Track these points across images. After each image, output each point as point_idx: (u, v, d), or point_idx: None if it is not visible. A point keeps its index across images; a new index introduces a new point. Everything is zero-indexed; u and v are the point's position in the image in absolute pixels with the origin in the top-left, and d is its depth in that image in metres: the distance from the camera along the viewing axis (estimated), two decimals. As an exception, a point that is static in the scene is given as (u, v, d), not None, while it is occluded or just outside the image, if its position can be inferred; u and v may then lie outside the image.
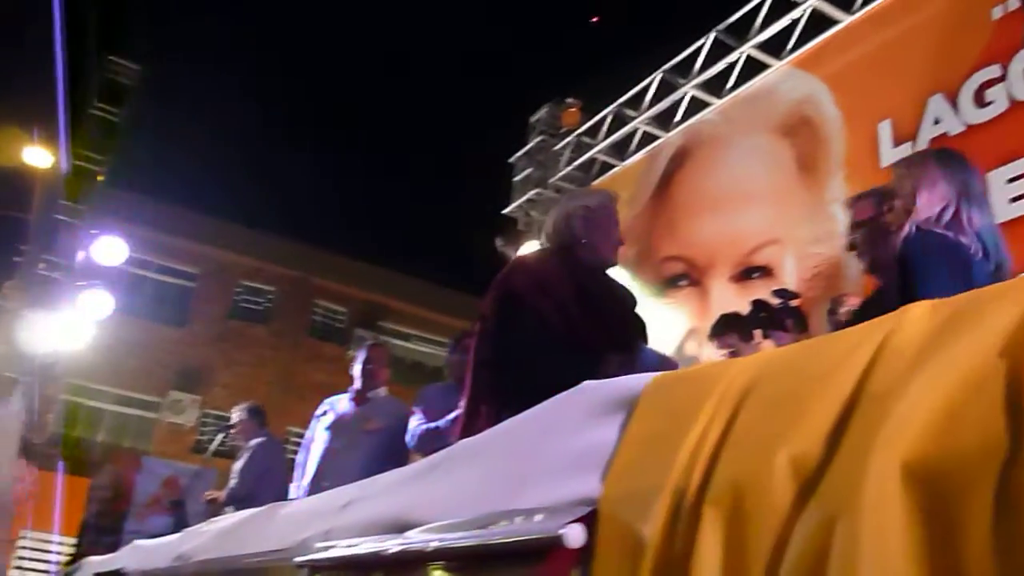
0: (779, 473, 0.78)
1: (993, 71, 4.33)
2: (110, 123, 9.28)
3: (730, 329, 3.79)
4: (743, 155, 6.32)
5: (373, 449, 4.20)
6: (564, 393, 1.30)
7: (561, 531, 0.98)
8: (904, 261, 2.32)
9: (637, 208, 7.32)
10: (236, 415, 5.88)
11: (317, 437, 4.59)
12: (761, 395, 0.90)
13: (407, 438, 3.94)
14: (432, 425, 3.81)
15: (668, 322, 6.28)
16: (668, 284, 6.60)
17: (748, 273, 5.84)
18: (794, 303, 3.68)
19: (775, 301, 3.68)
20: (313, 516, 1.98)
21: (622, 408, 1.12)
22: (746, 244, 5.95)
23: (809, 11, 6.21)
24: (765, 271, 5.75)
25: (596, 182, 8.41)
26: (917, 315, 0.82)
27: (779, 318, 3.65)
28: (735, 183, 6.24)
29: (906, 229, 2.42)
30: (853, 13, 5.89)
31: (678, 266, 6.54)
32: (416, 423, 3.93)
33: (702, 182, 6.73)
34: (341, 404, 4.61)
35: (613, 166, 8.34)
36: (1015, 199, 3.90)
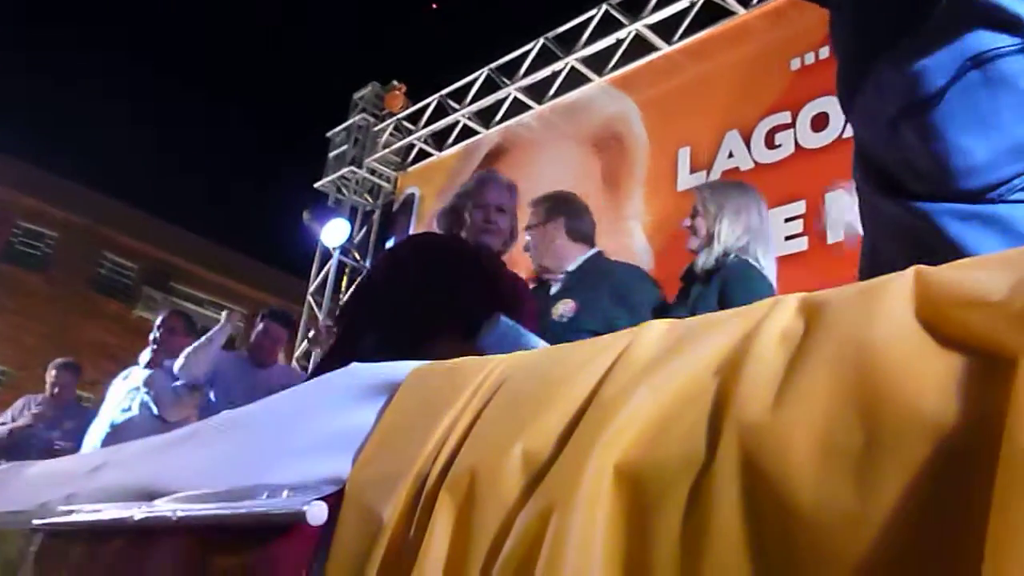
0: (511, 465, 0.83)
1: (784, 117, 4.71)
2: None
3: None
4: (554, 161, 6.51)
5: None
6: (332, 372, 1.30)
7: (304, 508, 0.99)
8: (724, 284, 2.49)
9: (446, 198, 7.39)
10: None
11: (112, 402, 4.41)
12: (508, 392, 0.95)
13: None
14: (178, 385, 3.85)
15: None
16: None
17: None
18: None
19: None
20: (60, 478, 1.87)
21: (384, 392, 1.15)
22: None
23: (633, 34, 6.49)
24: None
25: (411, 169, 8.42)
26: (655, 330, 0.89)
27: None
28: (543, 188, 6.39)
29: (716, 251, 2.60)
30: (672, 44, 6.22)
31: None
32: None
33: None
34: (136, 372, 4.45)
35: (431, 154, 8.37)
36: (789, 237, 4.26)
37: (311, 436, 1.21)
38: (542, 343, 2.21)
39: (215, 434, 1.48)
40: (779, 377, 0.72)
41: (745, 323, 0.80)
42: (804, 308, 0.79)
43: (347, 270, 8.53)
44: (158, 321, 4.71)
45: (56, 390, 5.44)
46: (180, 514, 1.24)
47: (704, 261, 2.60)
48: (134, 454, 1.69)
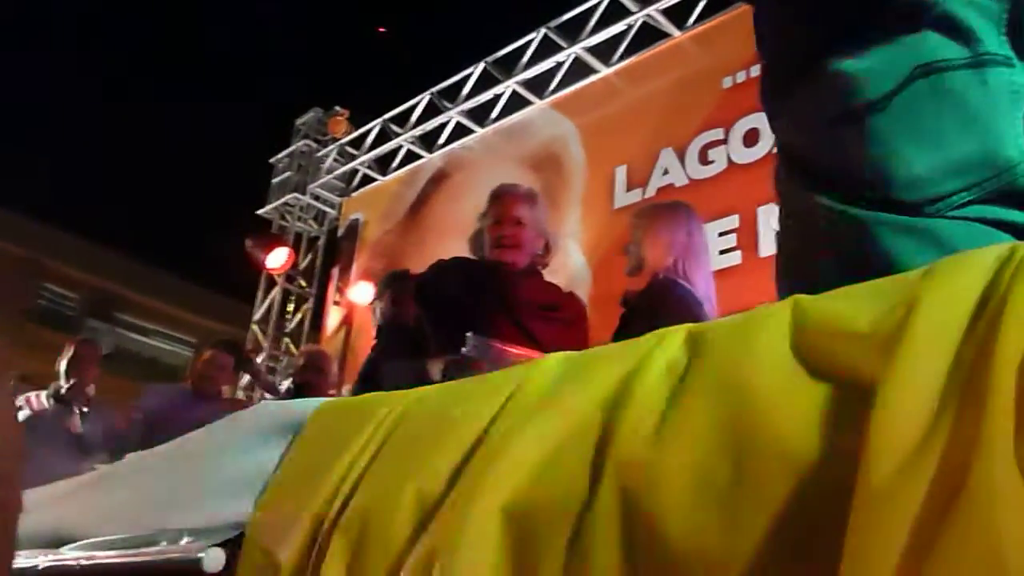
0: (403, 505, 0.82)
1: (717, 134, 4.79)
2: None
3: None
4: (493, 183, 6.51)
5: (74, 452, 3.92)
6: (242, 411, 1.28)
7: (200, 555, 0.96)
8: (652, 304, 2.50)
9: (390, 224, 7.38)
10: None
11: None
12: (407, 429, 0.94)
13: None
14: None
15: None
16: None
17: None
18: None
19: None
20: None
21: (290, 431, 1.13)
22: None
23: (572, 57, 6.55)
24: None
25: (355, 194, 8.38)
26: (549, 365, 0.89)
27: None
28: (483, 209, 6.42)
29: (645, 273, 2.62)
30: (610, 66, 6.28)
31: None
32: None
33: (455, 206, 6.88)
34: (38, 400, 4.25)
35: (375, 179, 8.34)
36: (724, 251, 4.31)
37: (218, 478, 1.18)
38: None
39: (124, 477, 1.44)
40: (660, 412, 0.72)
41: (633, 357, 0.80)
42: (689, 340, 0.79)
43: (292, 297, 8.45)
44: (69, 351, 4.42)
45: None
46: (83, 563, 1.21)
47: (637, 285, 2.62)
48: (45, 499, 1.64)
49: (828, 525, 0.55)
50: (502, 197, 2.65)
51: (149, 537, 1.13)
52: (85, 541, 1.28)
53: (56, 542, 1.39)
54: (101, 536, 1.27)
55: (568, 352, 0.91)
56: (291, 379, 5.57)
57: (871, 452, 0.54)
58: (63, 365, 4.33)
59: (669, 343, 0.80)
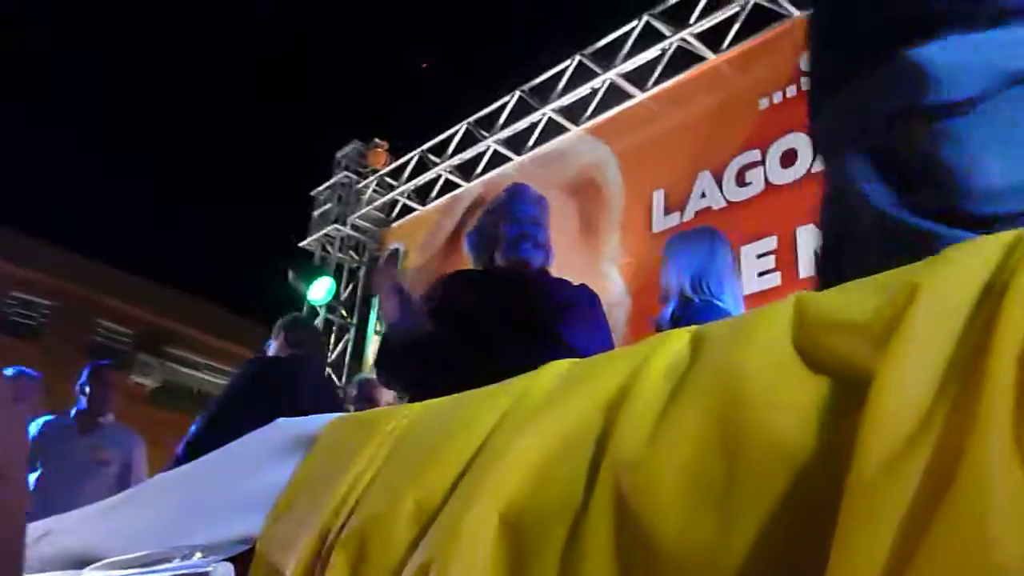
0: (403, 517, 0.80)
1: (754, 155, 4.74)
2: None
3: None
4: (531, 211, 6.54)
5: (101, 480, 3.95)
6: (259, 429, 1.28)
7: (208, 569, 0.96)
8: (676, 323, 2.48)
9: (431, 252, 7.41)
10: None
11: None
12: (412, 440, 0.92)
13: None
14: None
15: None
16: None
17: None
18: None
19: None
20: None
21: (304, 447, 1.12)
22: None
23: (608, 83, 6.56)
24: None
25: (395, 224, 8.44)
26: (554, 371, 0.87)
27: None
28: (522, 237, 6.43)
29: (672, 298, 2.59)
30: (646, 91, 6.28)
31: (465, 312, 6.63)
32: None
33: (493, 232, 6.91)
34: (58, 428, 4.26)
35: (414, 209, 8.40)
36: (762, 273, 4.25)
37: (234, 494, 1.18)
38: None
39: (149, 497, 1.45)
40: (659, 411, 0.70)
41: (635, 359, 0.78)
42: (693, 340, 0.77)
43: (334, 327, 8.51)
44: (88, 376, 4.42)
45: None
46: (102, 582, 1.21)
47: (669, 310, 2.60)
48: (76, 521, 1.65)
49: (824, 521, 0.53)
50: (518, 196, 2.57)
51: (164, 555, 1.13)
52: (105, 560, 1.29)
53: (82, 563, 1.40)
54: (122, 555, 1.27)
55: (573, 359, 0.89)
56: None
57: (863, 444, 0.52)
58: (85, 389, 4.37)
59: (673, 343, 0.78)
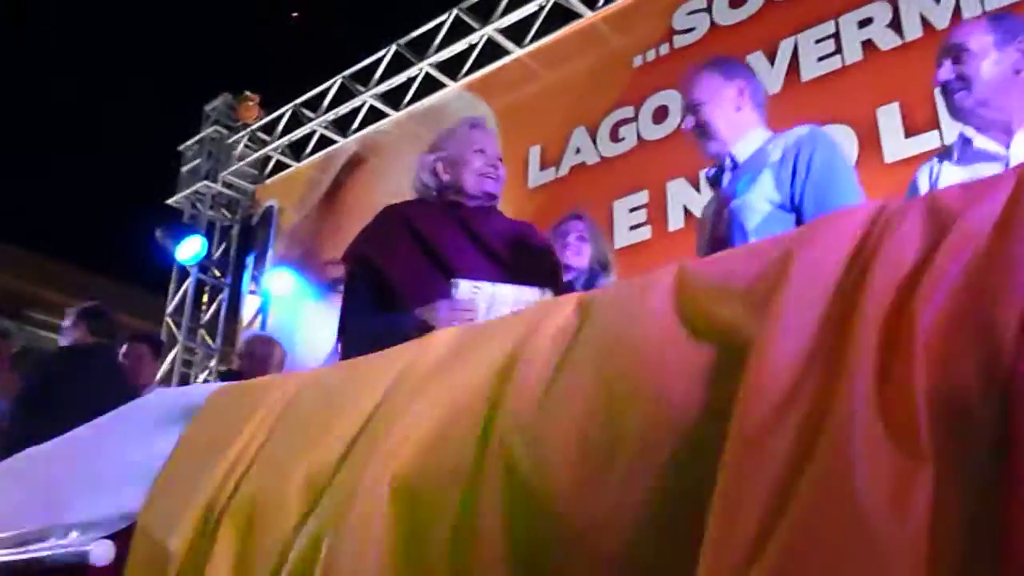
0: (294, 489, 0.80)
1: (627, 112, 4.82)
2: None
3: None
4: (410, 167, 6.46)
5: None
6: (137, 400, 1.24)
7: (87, 548, 0.93)
8: None
9: (306, 210, 7.26)
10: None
11: None
12: (297, 412, 0.91)
13: None
14: None
15: (328, 325, 6.26)
16: (331, 287, 6.58)
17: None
18: None
19: None
20: None
21: (184, 417, 1.09)
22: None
23: (484, 39, 6.51)
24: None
25: (268, 181, 8.21)
26: (441, 340, 0.88)
27: None
28: (401, 193, 6.34)
29: None
30: (523, 47, 6.27)
31: (340, 270, 6.53)
32: None
33: (371, 190, 6.79)
34: None
35: (288, 166, 8.17)
36: (634, 227, 4.35)
37: (112, 469, 1.14)
38: None
39: (19, 472, 1.38)
40: (548, 377, 0.71)
41: (524, 325, 0.80)
42: (580, 306, 0.79)
43: (207, 288, 8.24)
44: None
45: None
46: (-30, 564, 1.16)
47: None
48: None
49: (708, 479, 0.56)
50: (480, 127, 2.48)
51: (39, 533, 1.08)
52: (-27, 542, 1.23)
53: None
54: (-8, 536, 1.21)
55: (458, 327, 0.90)
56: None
57: (743, 404, 0.54)
58: None
59: (560, 310, 0.80)
